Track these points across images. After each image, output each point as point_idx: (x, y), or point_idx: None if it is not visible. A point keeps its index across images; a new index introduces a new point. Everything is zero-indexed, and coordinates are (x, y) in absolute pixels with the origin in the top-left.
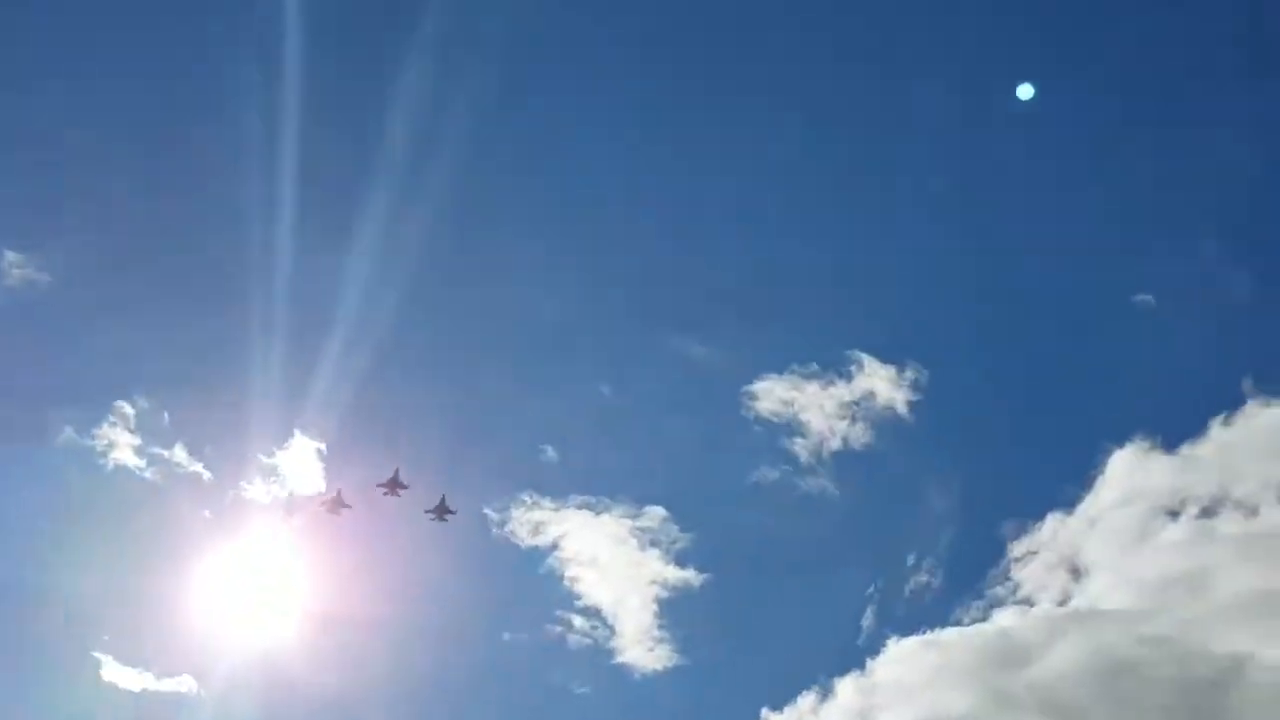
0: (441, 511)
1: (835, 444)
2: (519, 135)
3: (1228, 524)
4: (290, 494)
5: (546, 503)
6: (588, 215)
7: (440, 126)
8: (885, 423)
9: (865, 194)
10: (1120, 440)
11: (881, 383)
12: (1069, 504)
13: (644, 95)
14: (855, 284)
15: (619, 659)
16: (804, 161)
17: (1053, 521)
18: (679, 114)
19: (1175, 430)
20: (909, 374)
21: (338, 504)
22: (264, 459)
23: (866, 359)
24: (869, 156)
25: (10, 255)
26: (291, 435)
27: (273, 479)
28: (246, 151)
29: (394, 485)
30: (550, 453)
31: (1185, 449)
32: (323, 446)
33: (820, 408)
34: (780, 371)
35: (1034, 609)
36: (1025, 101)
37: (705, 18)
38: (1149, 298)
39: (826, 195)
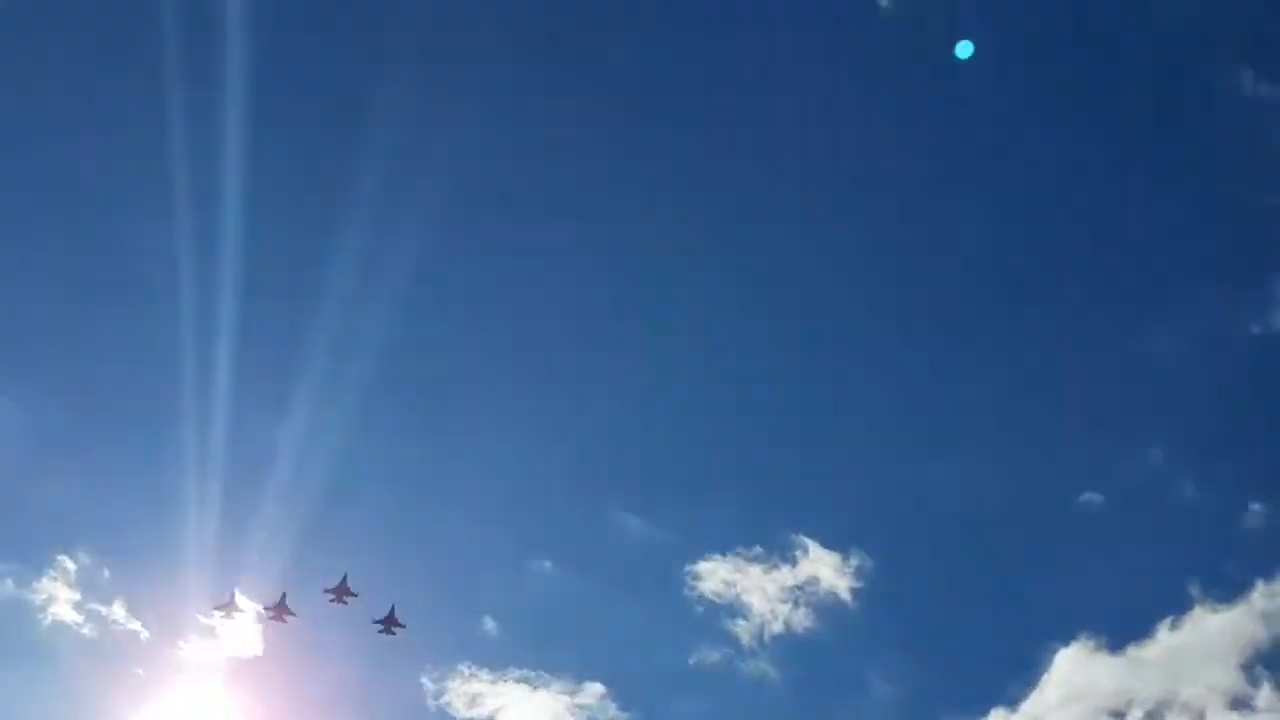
0: (391, 624)
1: (777, 627)
2: (460, 300)
3: None
4: (231, 596)
5: (484, 674)
6: (534, 388)
7: (379, 285)
8: (828, 609)
9: (816, 381)
10: (1065, 639)
11: (825, 569)
12: (1013, 701)
13: (593, 266)
14: (802, 469)
15: None
16: (757, 345)
17: (996, 718)
18: (632, 289)
19: (1122, 631)
20: (853, 561)
21: (282, 611)
22: (203, 619)
23: (811, 544)
24: (821, 343)
25: None
26: (232, 596)
27: (211, 639)
28: (186, 311)
29: (342, 592)
30: (490, 624)
31: (1131, 650)
32: (262, 609)
33: (763, 590)
34: (724, 553)
35: None
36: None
37: (652, 181)
38: (1097, 497)
39: (778, 380)
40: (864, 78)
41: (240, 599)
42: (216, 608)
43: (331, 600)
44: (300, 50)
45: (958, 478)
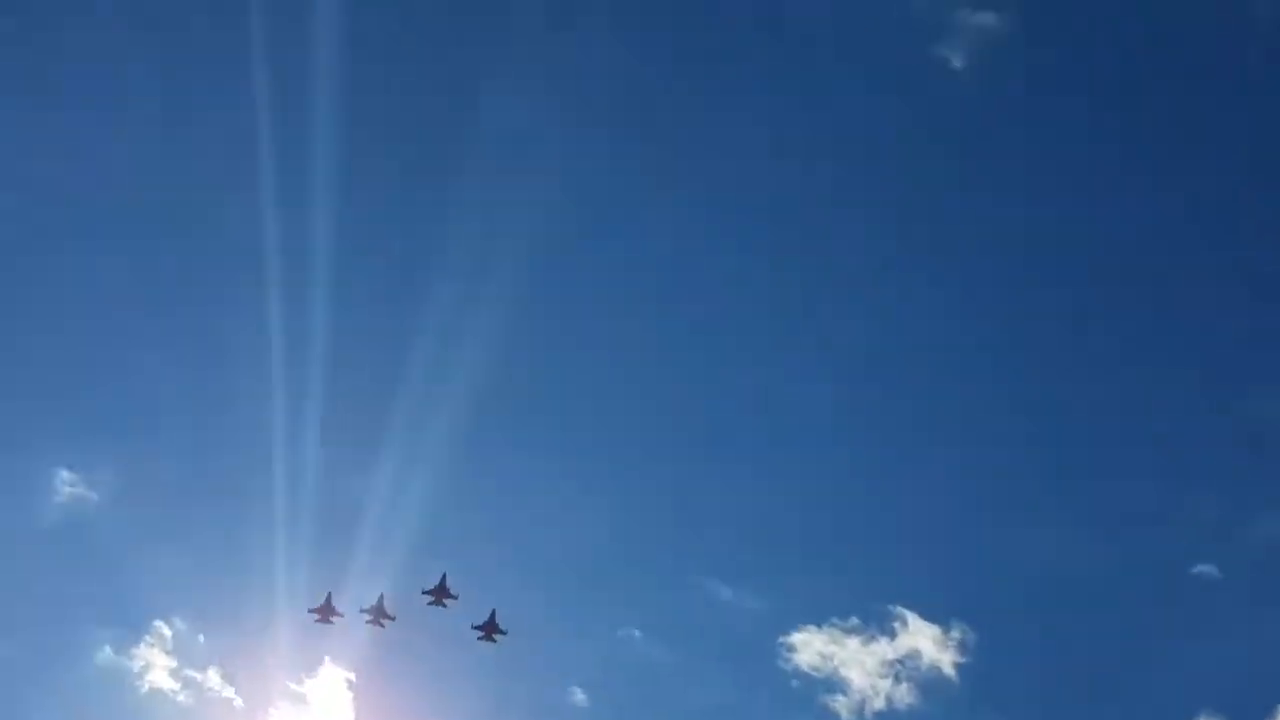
0: (491, 630)
1: (879, 704)
2: (548, 361)
3: None
4: (327, 599)
5: None
6: (622, 453)
7: (466, 347)
8: (931, 684)
9: (914, 449)
10: (1185, 717)
11: (927, 642)
12: None
13: (680, 328)
14: (898, 537)
15: None
16: (852, 413)
17: None
18: (723, 353)
19: (1245, 711)
20: (955, 634)
21: (380, 614)
22: (293, 686)
23: (910, 616)
24: (916, 408)
25: (64, 473)
26: (321, 663)
27: (301, 706)
28: (278, 382)
29: (441, 594)
30: (579, 695)
31: None
32: (352, 676)
33: (861, 664)
34: (819, 624)
35: None
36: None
37: (740, 249)
38: (1212, 569)
39: (874, 447)
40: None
41: (337, 602)
42: (313, 611)
43: (430, 603)
44: (393, 91)
45: (1064, 547)
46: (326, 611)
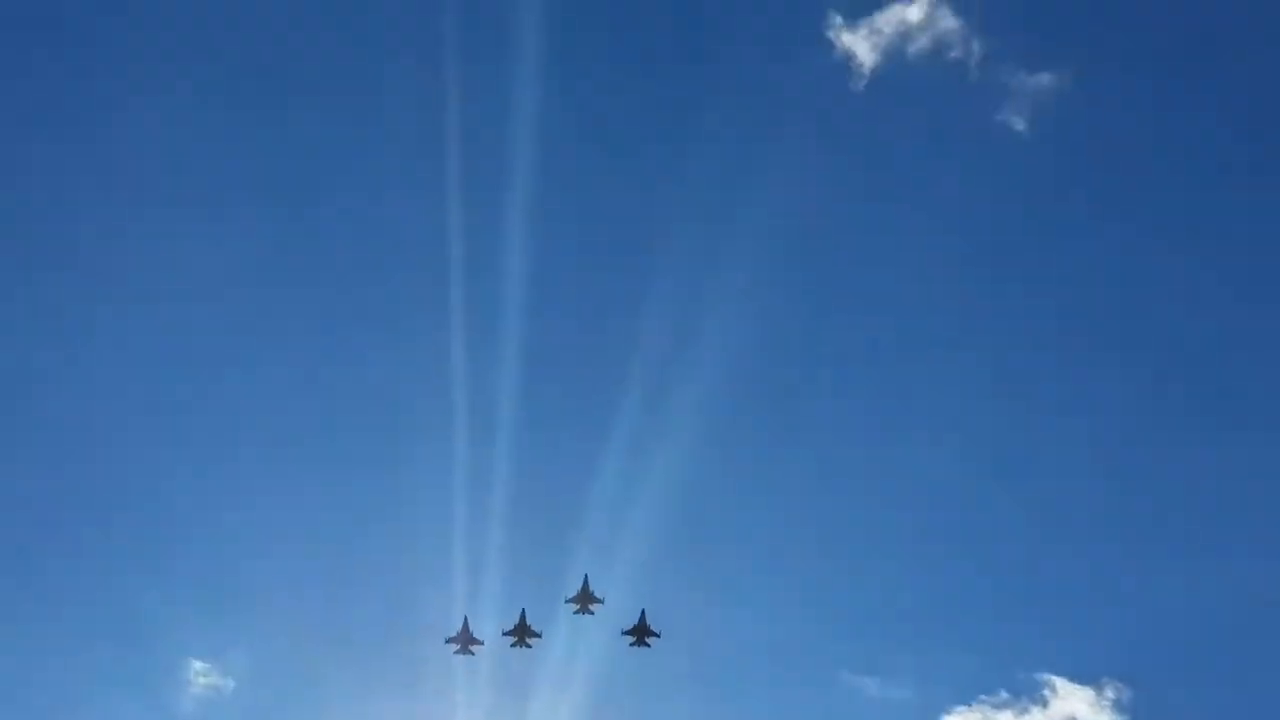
0: (642, 633)
1: None
2: (715, 478)
3: None
4: (464, 625)
5: None
6: (758, 557)
7: (641, 473)
8: None
9: (1045, 508)
10: None
11: (1081, 705)
12: None
13: (820, 426)
14: (1034, 601)
15: None
16: (978, 480)
17: None
18: (852, 437)
19: None
20: (1108, 694)
21: (525, 632)
22: None
23: (1058, 681)
24: (1046, 472)
25: (196, 664)
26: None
27: None
28: (432, 550)
29: (585, 600)
30: None
31: None
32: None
33: None
34: (968, 703)
35: None
36: None
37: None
38: None
39: (1003, 511)
40: None
41: (475, 628)
42: (450, 640)
43: (576, 610)
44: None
45: (1213, 585)
46: (465, 640)
